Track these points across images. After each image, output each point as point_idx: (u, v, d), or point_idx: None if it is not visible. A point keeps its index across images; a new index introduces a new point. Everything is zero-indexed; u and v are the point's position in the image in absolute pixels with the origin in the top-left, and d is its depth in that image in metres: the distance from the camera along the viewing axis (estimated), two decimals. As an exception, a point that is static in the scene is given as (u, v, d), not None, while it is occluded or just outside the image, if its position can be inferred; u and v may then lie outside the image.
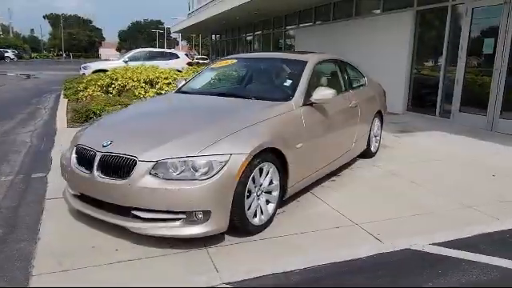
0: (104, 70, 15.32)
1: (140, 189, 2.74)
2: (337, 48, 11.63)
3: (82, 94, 9.60)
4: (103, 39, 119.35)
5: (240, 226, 2.96)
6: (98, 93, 9.42)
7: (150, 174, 2.76)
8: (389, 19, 10.17)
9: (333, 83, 4.48)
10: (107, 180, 2.86)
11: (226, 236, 3.06)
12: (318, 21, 14.11)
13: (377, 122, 5.57)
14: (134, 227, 2.85)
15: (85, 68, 16.89)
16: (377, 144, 5.68)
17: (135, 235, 2.97)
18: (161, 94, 9.18)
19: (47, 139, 6.53)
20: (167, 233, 2.81)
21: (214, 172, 2.75)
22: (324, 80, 4.36)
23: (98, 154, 2.95)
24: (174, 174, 2.76)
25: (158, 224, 2.81)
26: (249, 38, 22.24)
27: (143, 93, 9.08)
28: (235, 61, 4.65)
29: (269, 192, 3.25)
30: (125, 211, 2.89)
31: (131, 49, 26.11)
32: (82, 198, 3.16)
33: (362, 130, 4.96)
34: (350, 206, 3.78)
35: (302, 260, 2.79)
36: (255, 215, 3.10)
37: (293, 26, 16.04)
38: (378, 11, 10.78)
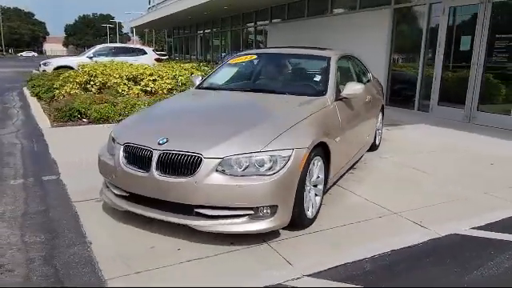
0: (67, 67, 14.63)
1: (207, 186, 2.71)
2: (313, 45, 11.89)
3: (58, 91, 9.11)
4: (47, 34, 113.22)
5: (298, 219, 3.01)
6: (77, 90, 8.99)
7: (217, 170, 2.73)
8: (366, 16, 10.54)
9: (351, 78, 4.62)
10: (169, 178, 2.79)
11: (280, 231, 3.09)
12: (292, 17, 14.30)
13: (380, 116, 5.80)
14: (199, 225, 2.81)
15: (45, 64, 16.03)
16: (379, 137, 5.92)
17: (189, 233, 2.96)
18: (146, 91, 8.95)
19: (37, 140, 6.17)
20: (233, 229, 2.80)
21: (279, 167, 2.78)
22: (344, 75, 4.49)
23: (155, 152, 2.87)
24: (240, 170, 2.76)
25: (223, 221, 2.80)
26: (216, 34, 22.08)
27: (127, 90, 8.79)
28: (255, 56, 4.66)
29: (315, 185, 3.32)
30: (187, 209, 2.84)
31: (79, 44, 25.04)
32: (131, 198, 3.06)
33: (373, 124, 5.16)
34: (380, 196, 3.94)
35: (362, 250, 2.89)
36: (308, 209, 3.16)
37: (265, 22, 16.14)
38: (355, 8, 11.12)
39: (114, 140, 3.29)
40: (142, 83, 8.89)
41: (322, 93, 3.83)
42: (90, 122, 7.62)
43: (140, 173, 2.91)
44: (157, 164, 2.84)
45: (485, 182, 4.48)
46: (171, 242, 2.94)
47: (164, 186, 2.81)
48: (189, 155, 2.78)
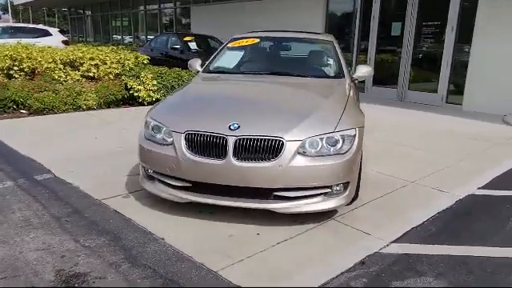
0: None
1: (291, 168, 2.76)
2: (247, 29, 12.00)
3: (-28, 80, 7.77)
4: None
5: (355, 194, 3.23)
6: (-1, 78, 7.79)
7: (299, 153, 2.79)
8: (300, 1, 10.92)
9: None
10: (249, 164, 2.76)
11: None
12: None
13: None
14: (279, 208, 2.86)
15: None
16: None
17: (254, 218, 3.00)
18: (88, 77, 8.17)
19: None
20: (310, 209, 2.90)
21: (349, 145, 2.94)
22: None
23: (230, 138, 2.79)
24: (316, 150, 2.85)
25: (300, 201, 2.88)
26: (124, 15, 20.67)
27: (64, 76, 7.91)
28: (257, 40, 4.65)
29: (358, 161, 3.56)
30: (265, 193, 2.86)
31: None
32: (195, 188, 2.94)
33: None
34: (387, 169, 4.34)
35: (416, 215, 3.24)
36: (357, 184, 3.38)
37: (185, 5, 15.62)
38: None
39: (159, 128, 3.09)
40: (83, 68, 8.07)
41: (340, 75, 4.06)
42: (30, 114, 6.74)
43: (213, 161, 2.81)
44: (233, 150, 2.78)
45: (448, 151, 5.18)
46: (242, 228, 2.93)
47: (243, 173, 2.77)
48: (270, 139, 2.78)
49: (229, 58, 4.47)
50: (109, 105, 7.52)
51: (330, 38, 4.61)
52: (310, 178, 2.82)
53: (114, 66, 8.03)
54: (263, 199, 2.87)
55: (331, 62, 4.32)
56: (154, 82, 7.77)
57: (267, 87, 3.86)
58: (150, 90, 7.73)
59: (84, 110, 7.14)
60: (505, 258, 2.66)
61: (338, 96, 3.50)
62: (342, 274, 2.41)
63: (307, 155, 2.81)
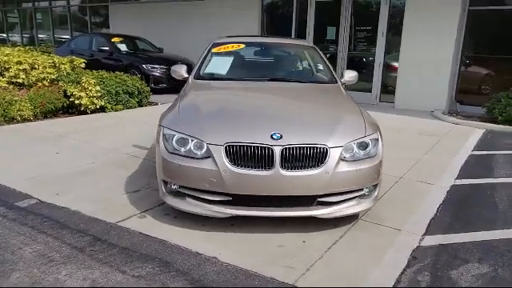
0: None
1: (337, 174, 2.83)
2: (172, 31, 11.71)
3: None
4: None
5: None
6: None
7: (341, 159, 2.87)
8: (238, 4, 10.93)
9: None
10: (296, 173, 2.77)
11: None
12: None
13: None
14: (324, 213, 2.91)
15: None
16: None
17: (288, 225, 3.03)
18: (18, 83, 7.20)
19: None
20: (348, 212, 3.01)
21: (376, 149, 3.11)
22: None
23: (276, 148, 2.76)
24: (350, 155, 2.95)
25: (341, 206, 2.97)
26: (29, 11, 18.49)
27: (-14, 83, 6.88)
28: (243, 45, 4.58)
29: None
30: (307, 201, 2.89)
31: None
32: (236, 201, 2.85)
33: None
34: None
35: (427, 206, 3.57)
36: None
37: (102, 3, 14.54)
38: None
39: (185, 141, 2.93)
40: (9, 74, 7.08)
41: (333, 80, 4.23)
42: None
43: (259, 172, 2.76)
44: (280, 160, 2.76)
45: (409, 146, 5.72)
46: (284, 237, 2.92)
47: (291, 182, 2.77)
48: (315, 147, 2.82)
49: (219, 64, 4.36)
50: (45, 115, 6.74)
51: (309, 43, 4.77)
52: (350, 182, 2.93)
53: (48, 70, 7.20)
54: (307, 206, 2.90)
55: (321, 67, 4.48)
56: (98, 88, 7.18)
57: (280, 95, 3.87)
58: (93, 96, 7.12)
59: (19, 121, 6.30)
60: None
61: (348, 102, 3.67)
62: (404, 270, 2.56)
63: (347, 160, 2.91)
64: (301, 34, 10.11)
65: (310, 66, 4.60)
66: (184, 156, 2.92)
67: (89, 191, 3.68)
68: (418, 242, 2.93)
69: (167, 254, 2.66)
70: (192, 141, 2.93)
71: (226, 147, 2.81)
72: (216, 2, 11.25)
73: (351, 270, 2.55)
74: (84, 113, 7.11)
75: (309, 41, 9.91)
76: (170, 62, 10.14)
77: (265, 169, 2.76)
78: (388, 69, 9.11)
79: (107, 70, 8.26)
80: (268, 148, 2.77)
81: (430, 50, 8.31)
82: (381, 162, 3.11)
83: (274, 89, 4.01)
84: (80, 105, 7.04)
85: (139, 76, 9.17)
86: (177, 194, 3.02)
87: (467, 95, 8.63)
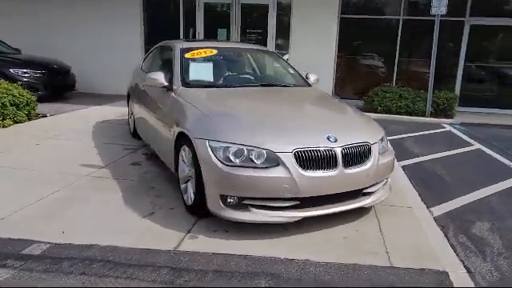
0: None
1: (379, 166, 3.26)
2: (54, 30, 10.13)
3: None
4: None
5: None
6: None
7: (379, 153, 3.29)
8: (115, 5, 10.04)
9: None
10: (354, 169, 3.07)
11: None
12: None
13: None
14: (369, 203, 3.29)
15: None
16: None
17: (324, 218, 3.25)
18: None
19: None
20: (383, 198, 3.43)
21: (387, 143, 3.64)
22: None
23: (337, 149, 2.99)
24: (381, 149, 3.36)
25: (378, 194, 3.39)
26: None
27: None
28: (215, 51, 4.44)
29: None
30: (356, 194, 3.21)
31: None
32: (304, 203, 2.98)
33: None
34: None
35: (404, 179, 4.28)
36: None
37: None
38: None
39: (241, 152, 2.90)
40: None
41: (308, 83, 4.60)
42: None
43: (327, 173, 2.95)
44: (342, 159, 3.00)
45: None
46: (337, 230, 3.17)
47: (350, 178, 3.06)
48: (363, 144, 3.16)
49: (199, 71, 4.18)
50: None
51: (268, 47, 5.03)
52: (384, 172, 3.38)
53: None
54: (356, 199, 3.22)
55: (292, 71, 4.77)
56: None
57: (285, 100, 4.08)
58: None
59: None
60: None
61: (342, 103, 4.11)
62: (446, 237, 3.17)
63: (380, 154, 3.34)
64: (189, 35, 10.05)
65: (284, 70, 4.84)
66: (246, 167, 2.87)
67: (95, 222, 3.17)
68: (431, 214, 3.60)
69: (264, 266, 2.63)
70: (251, 150, 2.90)
71: (294, 153, 2.89)
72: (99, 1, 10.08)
73: (415, 243, 3.02)
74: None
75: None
76: (44, 65, 8.82)
77: (330, 169, 2.97)
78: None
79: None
80: (330, 150, 2.99)
81: (317, 51, 9.39)
82: (394, 154, 3.65)
83: (274, 94, 4.16)
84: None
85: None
86: (237, 206, 2.95)
87: (343, 91, 10.07)
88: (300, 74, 4.71)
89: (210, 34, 10.04)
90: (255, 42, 9.77)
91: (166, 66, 4.81)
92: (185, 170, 3.41)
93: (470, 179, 4.60)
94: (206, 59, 4.33)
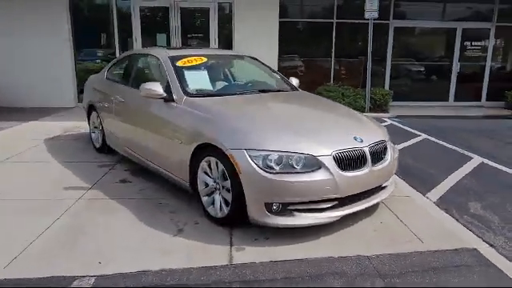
0: None
1: (394, 162, 3.57)
2: None
3: None
4: None
5: None
6: None
7: (392, 148, 3.59)
8: (37, 10, 9.09)
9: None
10: (379, 166, 3.31)
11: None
12: None
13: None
14: (385, 197, 3.55)
15: None
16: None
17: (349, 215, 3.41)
18: None
19: None
20: (392, 192, 3.71)
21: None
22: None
23: (365, 148, 3.19)
24: (391, 147, 3.67)
25: (390, 188, 3.66)
26: None
27: None
28: (205, 59, 4.30)
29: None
30: (377, 189, 3.45)
31: None
32: (341, 203, 3.13)
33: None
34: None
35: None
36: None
37: None
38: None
39: (281, 158, 2.96)
40: None
41: (295, 87, 4.74)
42: None
43: (360, 172, 3.14)
44: (371, 158, 3.22)
45: None
46: (364, 224, 3.39)
47: (377, 174, 3.29)
48: (382, 143, 3.43)
49: (195, 79, 4.04)
50: None
51: (251, 54, 5.10)
52: (395, 167, 3.69)
53: None
54: (377, 193, 3.46)
55: (278, 76, 4.86)
56: None
57: (296, 104, 4.18)
58: None
59: None
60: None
61: (342, 105, 4.35)
62: (454, 218, 3.57)
63: (392, 151, 3.63)
64: (125, 44, 9.57)
65: (272, 75, 4.87)
66: (289, 173, 2.94)
67: (125, 246, 2.95)
68: (429, 200, 4.00)
69: (326, 267, 2.72)
70: (291, 156, 2.97)
71: (333, 156, 3.03)
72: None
73: (434, 227, 3.36)
74: None
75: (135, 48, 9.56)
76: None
77: (362, 168, 3.17)
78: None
79: None
80: (360, 150, 3.18)
81: (260, 53, 9.57)
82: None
83: (278, 99, 4.23)
84: None
85: None
86: (282, 212, 2.99)
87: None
88: (286, 79, 4.84)
89: (149, 41, 9.67)
90: (197, 47, 9.69)
91: (151, 76, 4.61)
92: (208, 182, 3.34)
93: (438, 165, 5.18)
94: (198, 67, 4.23)
